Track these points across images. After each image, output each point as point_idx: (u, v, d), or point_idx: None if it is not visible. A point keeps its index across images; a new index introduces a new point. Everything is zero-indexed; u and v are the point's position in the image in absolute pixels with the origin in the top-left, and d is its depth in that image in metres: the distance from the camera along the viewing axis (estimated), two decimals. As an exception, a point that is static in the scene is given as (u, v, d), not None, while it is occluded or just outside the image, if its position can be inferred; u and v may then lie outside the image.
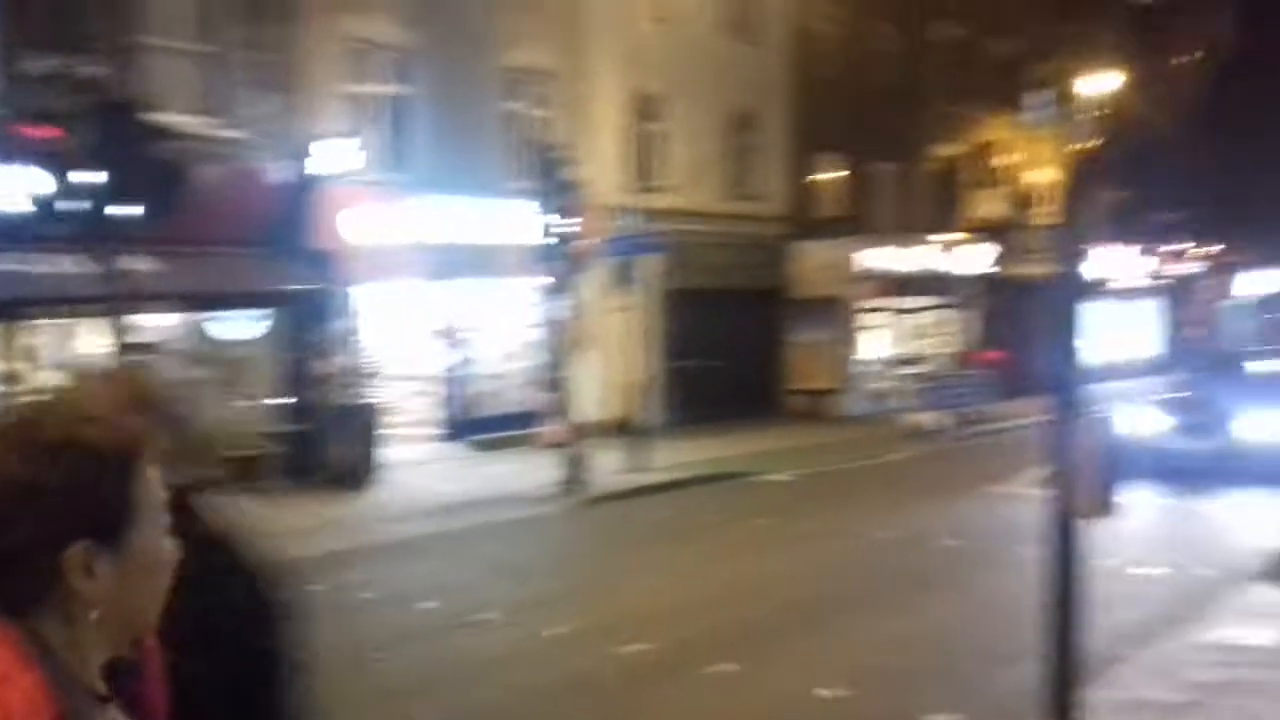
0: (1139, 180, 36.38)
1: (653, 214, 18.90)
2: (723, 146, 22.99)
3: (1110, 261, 33.70)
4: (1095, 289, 31.98)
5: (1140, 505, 12.56)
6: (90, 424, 1.25)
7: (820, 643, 7.52)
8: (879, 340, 25.15)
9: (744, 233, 23.19)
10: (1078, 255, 3.81)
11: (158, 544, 1.29)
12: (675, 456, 16.41)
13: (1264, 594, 8.20)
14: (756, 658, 7.12)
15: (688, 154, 22.10)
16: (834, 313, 24.05)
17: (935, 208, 28.63)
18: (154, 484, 1.28)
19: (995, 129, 30.53)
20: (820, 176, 25.54)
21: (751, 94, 23.30)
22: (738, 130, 23.32)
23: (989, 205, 30.04)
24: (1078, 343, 4.28)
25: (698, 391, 21.13)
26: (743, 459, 16.76)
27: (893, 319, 25.58)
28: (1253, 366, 17.27)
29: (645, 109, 21.36)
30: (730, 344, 22.52)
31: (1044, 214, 29.67)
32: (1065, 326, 4.13)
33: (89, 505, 1.22)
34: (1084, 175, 4.67)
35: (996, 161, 29.58)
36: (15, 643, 1.18)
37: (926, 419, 20.86)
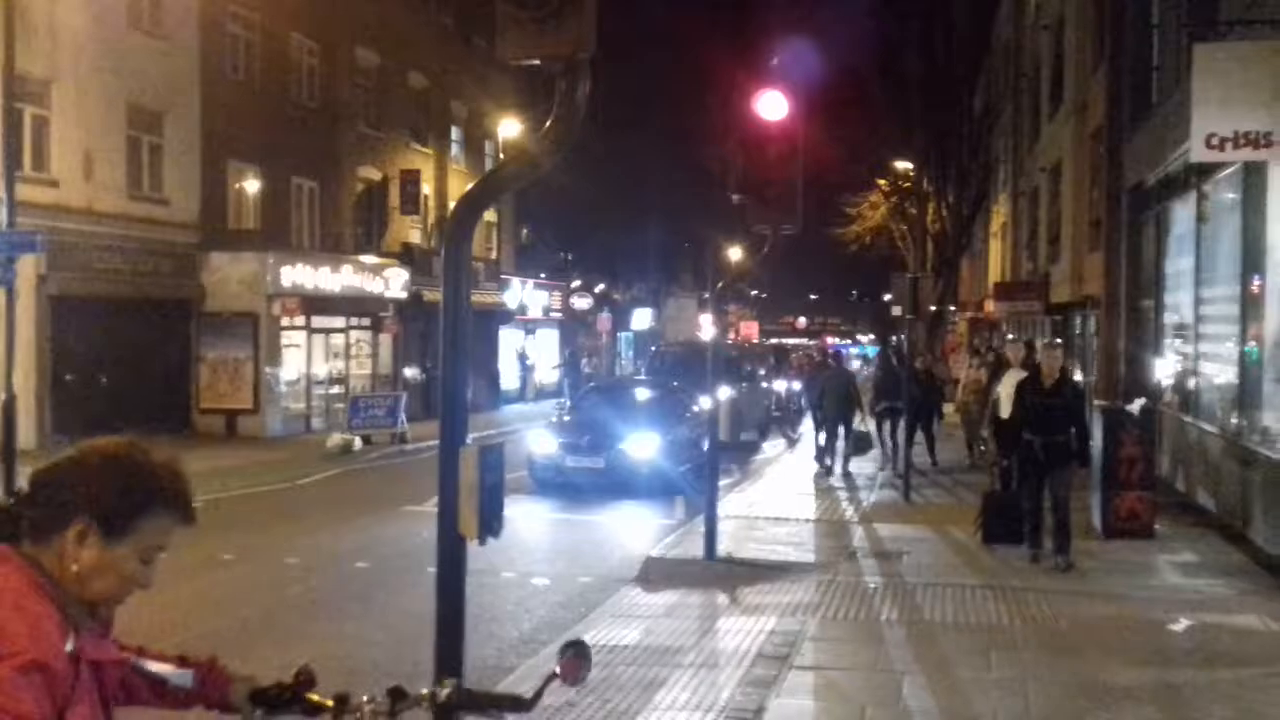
0: (537, 220, 39.56)
1: (28, 207, 16.83)
2: (122, 143, 21.07)
3: (517, 292, 36.16)
4: (500, 317, 34.16)
5: (533, 519, 13.56)
6: (155, 467, 1.96)
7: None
8: (298, 358, 24.60)
9: (149, 238, 21.47)
10: (463, 284, 3.95)
11: (131, 563, 1.93)
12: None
13: (635, 597, 9.18)
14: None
15: (76, 145, 19.97)
16: (251, 328, 23.11)
17: (358, 228, 28.76)
18: (159, 530, 1.96)
19: (418, 158, 31.45)
20: (236, 185, 24.49)
21: (156, 90, 21.63)
22: (141, 127, 21.53)
23: (410, 230, 30.81)
24: (467, 368, 4.45)
25: (90, 409, 19.14)
26: (141, 484, 15.42)
27: (312, 337, 25.18)
28: (637, 392, 19.38)
29: (18, 88, 18.95)
30: (132, 357, 20.72)
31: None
32: (453, 352, 4.27)
33: (109, 504, 1.90)
34: (466, 209, 4.93)
35: (419, 189, 30.44)
36: (33, 576, 1.84)
37: (346, 439, 20.77)
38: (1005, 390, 11.94)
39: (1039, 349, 11.71)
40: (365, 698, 2.38)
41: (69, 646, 1.83)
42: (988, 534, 10.72)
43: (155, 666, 2.26)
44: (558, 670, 2.51)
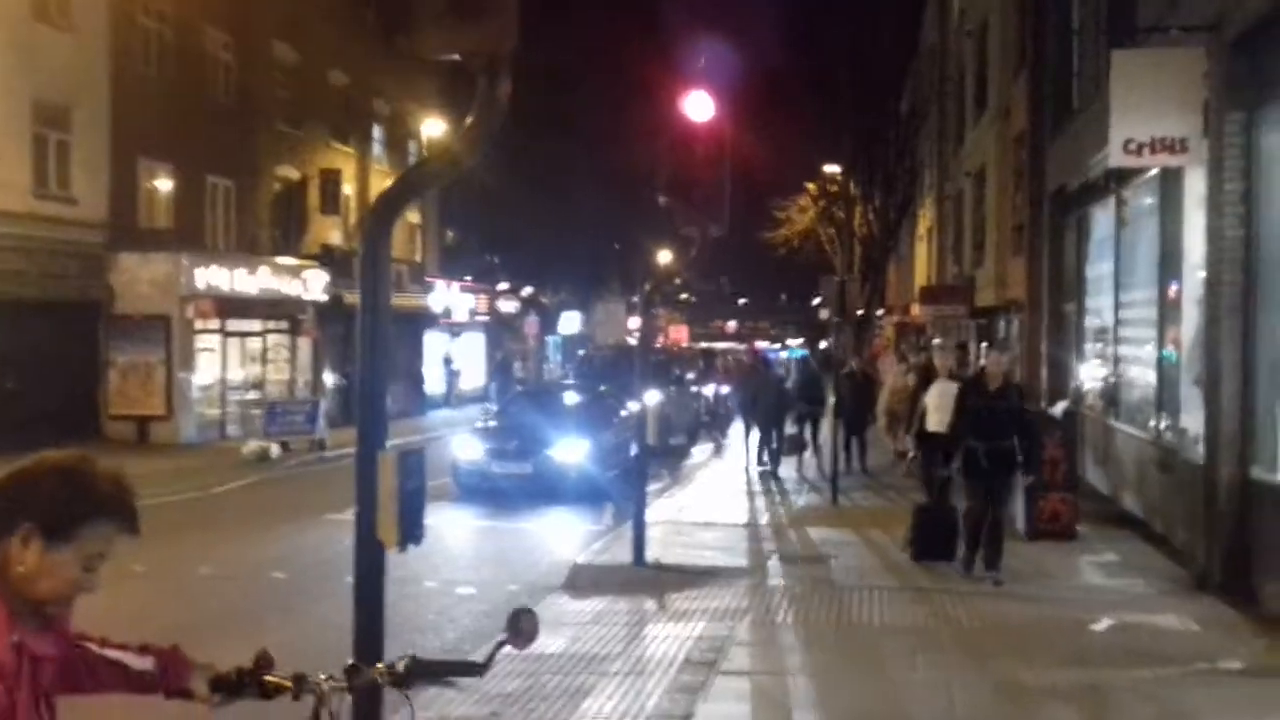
0: (463, 222, 39.15)
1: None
2: (26, 139, 20.31)
3: (442, 295, 35.72)
4: (425, 321, 33.72)
5: (457, 526, 13.30)
6: (99, 478, 2.13)
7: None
8: (213, 363, 23.96)
9: (54, 238, 20.70)
10: (383, 284, 3.79)
11: (73, 569, 2.09)
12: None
13: (562, 604, 9.02)
14: None
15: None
16: (163, 331, 22.42)
17: (276, 229, 28.14)
18: (100, 538, 2.11)
19: (339, 157, 30.90)
20: (148, 184, 23.77)
21: (63, 85, 20.86)
22: (46, 123, 20.77)
23: (331, 231, 30.25)
24: (386, 370, 4.26)
25: (-9, 416, 18.44)
26: (47, 494, 14.86)
27: (228, 341, 24.55)
28: (564, 396, 19.19)
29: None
30: (38, 362, 19.95)
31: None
32: (372, 352, 4.09)
33: (53, 511, 2.07)
34: (385, 207, 4.74)
35: (340, 189, 29.90)
36: None
37: (263, 446, 20.27)
38: (933, 400, 11.74)
39: (982, 354, 11.59)
40: (323, 675, 2.49)
41: (14, 638, 2.02)
42: (919, 550, 10.19)
43: (117, 655, 2.40)
44: (505, 636, 2.63)
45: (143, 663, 2.43)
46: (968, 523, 9.66)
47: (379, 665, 2.58)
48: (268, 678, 2.50)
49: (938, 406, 11.20)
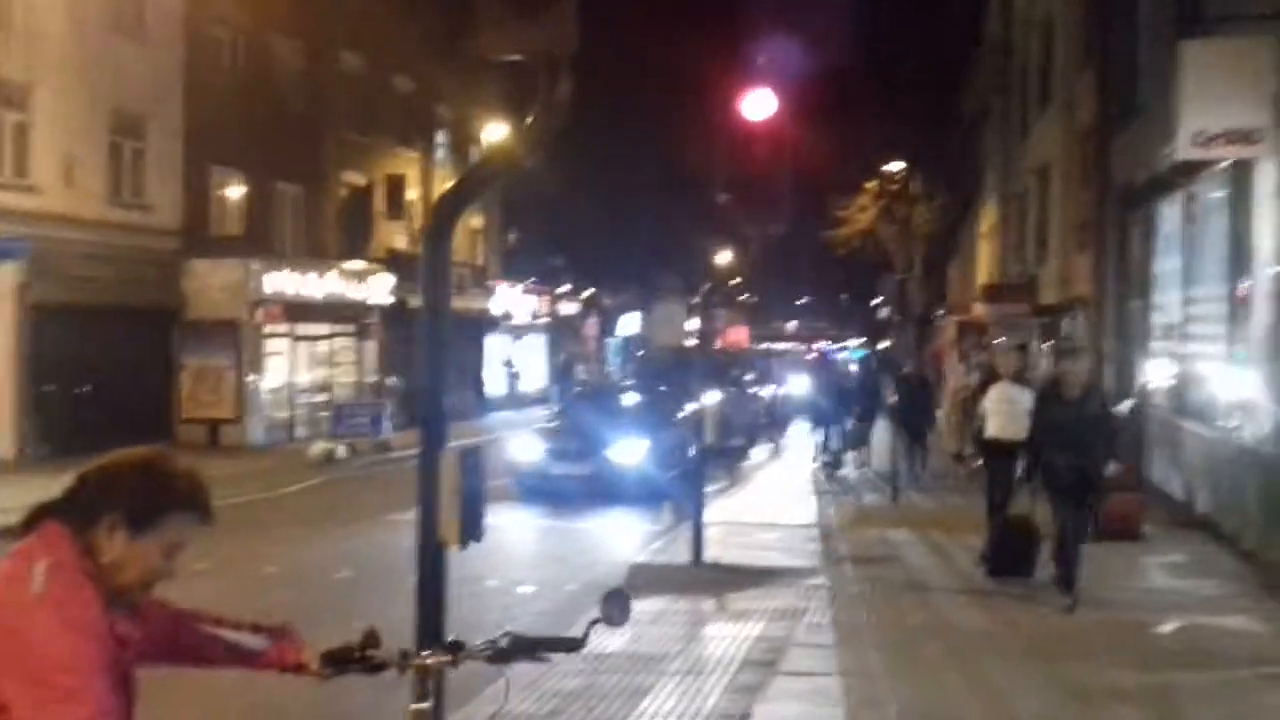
0: (524, 225, 39.39)
1: (8, 214, 16.65)
2: (104, 148, 20.88)
3: (503, 298, 36.02)
4: (486, 325, 34.01)
5: (518, 526, 13.41)
6: (177, 472, 2.28)
7: (193, 689, 6.96)
8: (282, 366, 24.42)
9: (130, 245, 21.27)
10: (444, 285, 3.85)
11: (154, 558, 2.23)
12: (35, 495, 14.56)
13: (620, 603, 9.05)
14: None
15: (57, 151, 19.79)
16: (233, 336, 22.91)
17: (343, 234, 28.57)
18: (179, 527, 2.25)
19: (404, 163, 31.29)
20: (219, 191, 24.30)
21: (139, 95, 21.45)
22: (123, 132, 21.35)
23: (396, 236, 30.64)
24: (448, 375, 4.34)
25: (70, 419, 18.95)
26: (122, 494, 15.26)
27: (296, 345, 24.99)
28: (624, 398, 19.25)
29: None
30: (112, 366, 20.51)
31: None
32: (435, 351, 4.16)
33: (136, 504, 2.21)
34: (448, 206, 4.81)
35: (405, 194, 30.29)
36: (80, 559, 2.15)
37: (329, 448, 20.61)
38: (992, 404, 11.09)
39: (1043, 352, 10.98)
40: (427, 651, 2.68)
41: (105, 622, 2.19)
42: (994, 566, 9.59)
43: (232, 634, 2.62)
44: (601, 615, 2.80)
45: (254, 640, 2.63)
46: (1057, 541, 8.75)
47: (479, 643, 2.72)
48: (374, 653, 2.68)
49: (996, 411, 10.63)
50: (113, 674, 2.15)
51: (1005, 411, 10.42)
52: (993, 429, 10.69)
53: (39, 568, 2.10)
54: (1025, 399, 9.86)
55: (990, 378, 12.14)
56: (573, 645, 2.80)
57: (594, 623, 2.78)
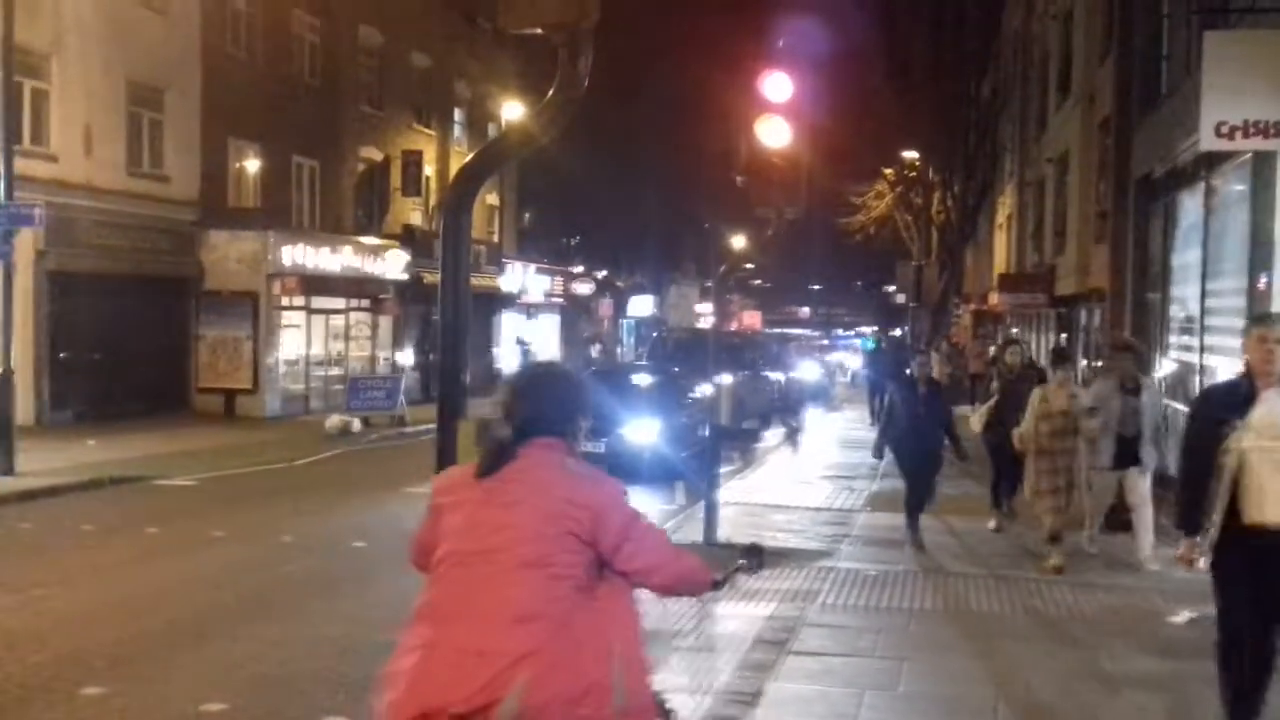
0: (540, 204, 39.35)
1: (27, 182, 16.72)
2: (122, 118, 20.95)
3: (517, 276, 36.05)
4: (500, 302, 34.04)
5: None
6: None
7: (207, 655, 7.04)
8: (298, 339, 24.53)
9: (147, 215, 21.38)
10: (463, 256, 3.89)
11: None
12: (54, 460, 14.65)
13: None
14: (135, 677, 6.48)
15: (76, 120, 19.83)
16: (250, 308, 23.03)
17: (359, 209, 28.65)
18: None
19: (421, 139, 31.31)
20: (237, 163, 24.37)
21: (158, 66, 21.51)
22: (141, 103, 21.42)
23: (412, 212, 30.69)
24: (466, 339, 4.38)
25: (90, 387, 19.10)
26: (141, 462, 15.35)
27: (311, 318, 25.10)
28: (636, 378, 19.27)
29: (18, 61, 18.80)
30: (130, 335, 20.65)
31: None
32: (453, 321, 4.20)
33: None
34: (466, 180, 4.81)
35: (421, 170, 30.32)
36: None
37: (345, 420, 20.71)
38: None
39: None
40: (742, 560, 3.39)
41: None
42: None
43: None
44: (742, 563, 3.34)
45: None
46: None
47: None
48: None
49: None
50: None
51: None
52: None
53: (570, 461, 2.92)
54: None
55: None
56: (714, 586, 3.17)
57: (736, 569, 3.24)
